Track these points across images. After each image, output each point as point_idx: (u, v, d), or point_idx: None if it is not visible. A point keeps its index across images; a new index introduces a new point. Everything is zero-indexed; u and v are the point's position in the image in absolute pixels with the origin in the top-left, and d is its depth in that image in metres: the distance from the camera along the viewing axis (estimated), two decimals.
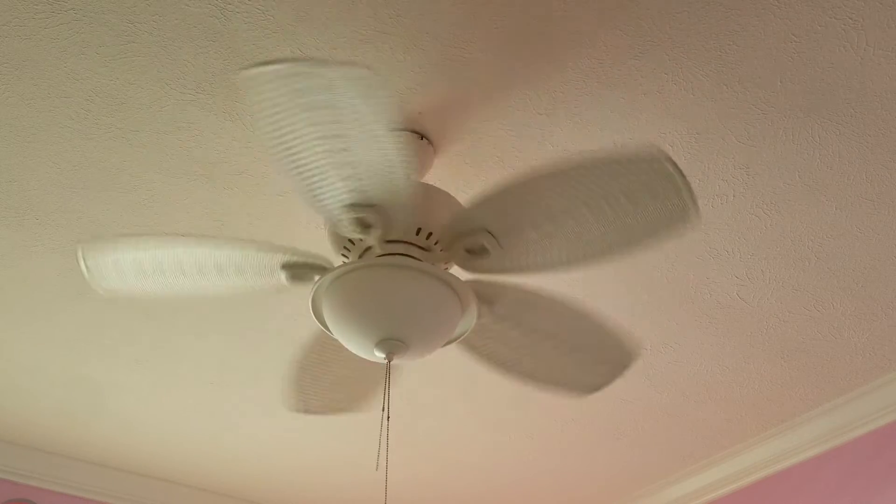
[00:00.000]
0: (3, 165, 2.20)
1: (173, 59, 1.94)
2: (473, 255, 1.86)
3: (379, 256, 1.87)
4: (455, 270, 2.13)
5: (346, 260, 1.97)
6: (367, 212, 1.77)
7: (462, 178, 2.22)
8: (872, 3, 1.80)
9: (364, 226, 1.80)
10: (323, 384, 2.23)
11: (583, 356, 2.11)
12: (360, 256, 1.92)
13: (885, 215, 2.31)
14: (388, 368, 1.98)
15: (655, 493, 3.65)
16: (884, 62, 1.92)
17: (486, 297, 1.98)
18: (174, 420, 3.23)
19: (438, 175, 2.21)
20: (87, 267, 1.96)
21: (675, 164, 1.64)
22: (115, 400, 3.11)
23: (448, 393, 3.06)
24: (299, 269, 1.91)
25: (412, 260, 1.84)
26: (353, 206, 1.76)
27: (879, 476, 2.95)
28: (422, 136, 2.10)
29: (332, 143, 1.62)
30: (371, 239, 1.85)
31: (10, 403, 3.13)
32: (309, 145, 1.63)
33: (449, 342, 2.01)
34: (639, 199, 1.69)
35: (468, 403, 3.12)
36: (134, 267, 1.93)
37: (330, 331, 1.96)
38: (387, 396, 1.98)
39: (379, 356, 1.87)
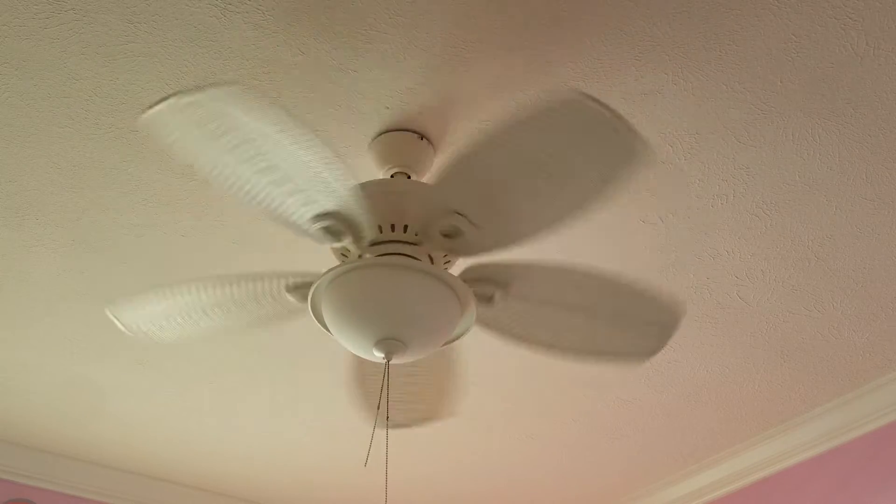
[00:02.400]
0: (3, 165, 2.20)
1: (173, 59, 1.94)
2: (452, 238, 1.85)
3: (377, 256, 1.87)
4: (457, 266, 2.13)
5: (344, 261, 1.97)
6: (329, 220, 1.78)
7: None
8: (872, 3, 1.80)
9: (334, 234, 1.82)
10: (404, 396, 2.26)
11: (624, 322, 2.05)
12: (359, 258, 1.92)
13: (884, 215, 2.31)
14: (386, 368, 1.98)
15: (655, 493, 3.64)
16: (884, 62, 1.92)
17: (498, 279, 1.95)
18: (174, 420, 3.23)
19: (435, 173, 2.21)
20: (124, 326, 2.08)
21: (597, 101, 1.57)
22: (115, 400, 3.11)
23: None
24: (303, 289, 1.95)
25: (410, 259, 1.84)
26: (316, 218, 1.78)
27: (879, 476, 2.95)
28: (422, 136, 2.10)
29: (256, 164, 1.65)
30: (349, 244, 1.86)
31: (10, 403, 3.13)
32: (240, 172, 1.66)
33: (448, 342, 2.01)
34: (579, 144, 1.65)
35: (468, 403, 3.12)
36: (165, 317, 2.03)
37: (329, 331, 1.96)
38: (385, 397, 1.98)
39: (378, 356, 1.87)
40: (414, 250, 1.89)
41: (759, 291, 2.57)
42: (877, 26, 1.84)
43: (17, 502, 3.38)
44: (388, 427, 2.01)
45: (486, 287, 1.94)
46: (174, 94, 1.52)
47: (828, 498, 3.08)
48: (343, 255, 1.95)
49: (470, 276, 1.93)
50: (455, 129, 2.10)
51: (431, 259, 1.92)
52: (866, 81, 1.96)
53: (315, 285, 1.88)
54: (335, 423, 3.23)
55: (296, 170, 1.67)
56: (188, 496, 3.68)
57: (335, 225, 1.80)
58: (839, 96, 2.00)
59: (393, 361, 1.89)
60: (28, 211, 2.33)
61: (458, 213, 1.79)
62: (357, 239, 1.85)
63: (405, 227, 1.88)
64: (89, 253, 2.46)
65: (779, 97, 2.00)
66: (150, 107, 1.53)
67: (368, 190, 1.85)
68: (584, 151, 1.64)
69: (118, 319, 2.06)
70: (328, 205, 1.76)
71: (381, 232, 1.88)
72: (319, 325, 1.97)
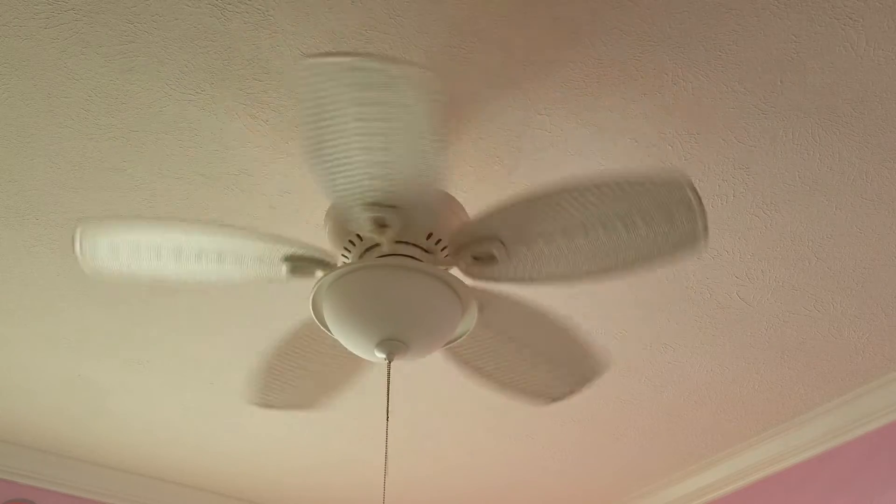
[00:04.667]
0: (3, 165, 2.20)
1: (173, 59, 1.94)
2: (480, 262, 1.86)
3: (380, 257, 1.87)
4: (450, 243, 2.13)
5: (346, 258, 1.97)
6: (386, 212, 1.77)
7: (462, 178, 2.22)
8: (872, 3, 1.80)
9: (380, 225, 1.81)
10: (289, 379, 2.23)
11: (553, 367, 2.14)
12: (361, 256, 1.92)
13: (884, 215, 2.31)
14: (388, 369, 1.98)
15: (655, 493, 3.65)
16: (884, 62, 1.92)
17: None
18: (174, 420, 3.23)
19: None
20: (80, 246, 1.92)
21: (695, 191, 1.66)
22: (115, 400, 3.11)
23: (448, 393, 3.06)
24: (301, 263, 1.90)
25: (413, 261, 1.84)
26: (374, 205, 1.76)
27: (879, 476, 2.95)
28: None
29: (373, 140, 1.61)
30: (383, 239, 1.85)
31: (10, 403, 3.13)
32: (349, 139, 1.62)
33: (449, 342, 2.01)
34: (654, 221, 1.70)
35: (468, 403, 3.12)
36: (130, 250, 1.90)
37: (330, 331, 1.96)
38: (388, 396, 1.98)
39: (379, 356, 1.87)
40: (415, 251, 1.89)
41: (759, 291, 2.57)
42: (877, 26, 1.84)
43: (17, 502, 3.38)
44: (388, 426, 2.01)
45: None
46: (356, 55, 1.46)
47: (828, 498, 3.08)
48: (343, 255, 1.94)
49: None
50: (455, 128, 2.09)
51: (432, 259, 1.93)
52: (866, 81, 1.96)
53: (317, 286, 1.88)
54: (335, 422, 3.23)
55: (405, 158, 1.64)
56: (188, 496, 3.68)
57: (388, 217, 1.78)
58: (839, 96, 2.00)
59: (394, 362, 1.89)
60: (28, 211, 2.33)
61: (501, 242, 1.81)
62: (393, 236, 1.84)
63: (438, 240, 1.90)
64: None
65: (779, 97, 2.00)
66: (321, 55, 1.47)
67: (442, 198, 1.86)
68: (657, 229, 1.69)
69: (80, 238, 1.90)
70: (399, 198, 1.74)
71: (416, 236, 1.90)
72: (321, 325, 1.97)
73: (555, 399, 2.23)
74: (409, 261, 1.84)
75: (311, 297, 1.91)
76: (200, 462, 3.49)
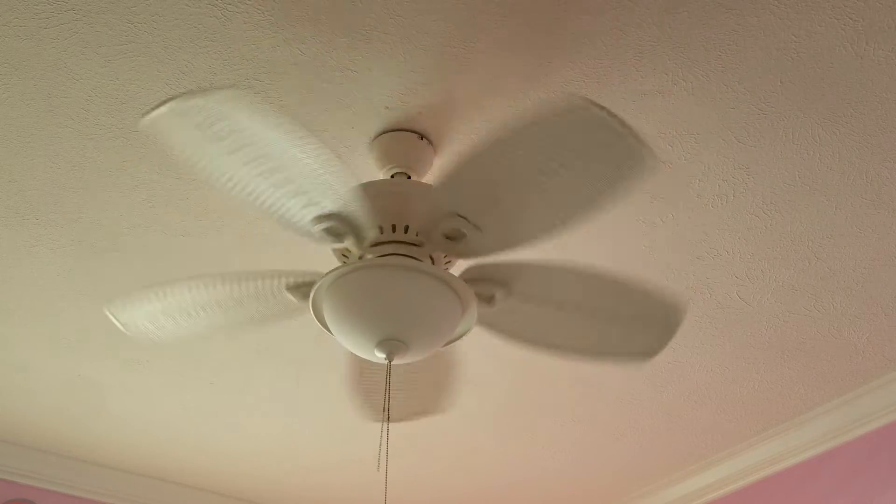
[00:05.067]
0: (3, 165, 2.20)
1: (173, 59, 1.94)
2: (454, 240, 1.85)
3: (378, 257, 1.87)
4: (458, 266, 2.13)
5: (345, 262, 1.97)
6: (331, 221, 1.79)
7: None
8: (872, 3, 1.80)
9: (336, 235, 1.82)
10: (405, 390, 2.26)
11: (626, 321, 2.04)
12: (360, 259, 1.92)
13: (884, 215, 2.31)
14: (388, 369, 1.98)
15: (655, 493, 3.65)
16: (884, 62, 1.92)
17: (500, 279, 1.94)
18: (174, 420, 3.23)
19: (438, 175, 2.20)
20: (122, 325, 2.07)
21: (603, 108, 1.58)
22: (115, 400, 3.11)
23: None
24: (303, 288, 1.95)
25: (412, 260, 1.84)
26: (318, 219, 1.78)
27: (879, 476, 2.95)
28: (422, 136, 2.10)
29: (258, 166, 1.65)
30: (351, 245, 1.86)
31: (10, 403, 3.13)
32: (241, 174, 1.67)
33: (449, 342, 2.01)
34: (585, 151, 1.65)
35: (468, 403, 3.12)
36: (164, 315, 2.03)
37: (330, 331, 1.96)
38: (387, 397, 1.98)
39: (379, 357, 1.87)
40: (415, 251, 1.89)
41: (759, 291, 2.57)
42: (877, 26, 1.84)
43: (16, 502, 3.38)
44: (388, 426, 2.01)
45: (487, 287, 1.94)
46: (175, 98, 1.52)
47: (828, 498, 3.08)
48: (344, 255, 1.95)
49: (470, 276, 1.93)
50: (455, 129, 2.10)
51: (433, 260, 1.92)
52: (866, 81, 1.96)
53: (316, 286, 1.88)
54: (335, 422, 3.23)
55: (297, 172, 1.67)
56: (188, 496, 3.68)
57: (337, 226, 1.80)
58: (839, 96, 2.00)
59: (394, 362, 1.89)
60: (28, 211, 2.33)
61: (460, 216, 1.79)
62: (358, 239, 1.85)
63: (406, 228, 1.88)
64: (89, 253, 2.46)
65: (779, 97, 2.00)
66: (152, 110, 1.53)
67: (370, 190, 1.85)
68: (589, 157, 1.64)
69: (116, 318, 2.06)
70: (329, 206, 1.76)
71: (382, 233, 1.88)
72: (321, 325, 1.97)
73: (648, 355, 2.12)
74: (408, 260, 1.83)
75: (310, 298, 1.91)
76: (200, 462, 3.49)
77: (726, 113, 2.04)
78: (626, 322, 2.02)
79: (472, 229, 1.80)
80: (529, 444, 3.36)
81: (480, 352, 2.82)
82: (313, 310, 1.94)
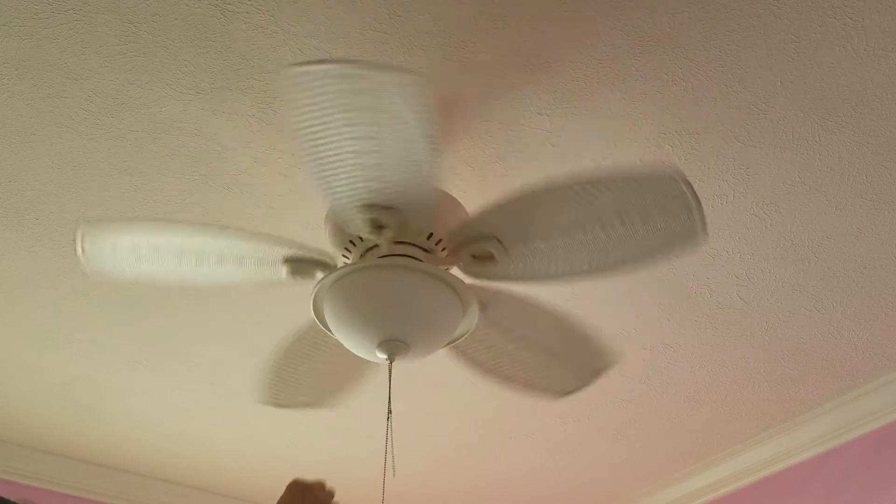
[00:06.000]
0: (3, 165, 2.20)
1: (173, 59, 1.94)
2: (479, 261, 1.86)
3: (381, 257, 1.87)
4: (455, 273, 2.13)
5: (346, 259, 1.97)
6: (383, 213, 1.77)
7: (462, 178, 2.22)
8: (872, 3, 1.80)
9: (377, 227, 1.81)
10: (298, 378, 2.23)
11: (562, 362, 2.13)
12: (362, 256, 1.92)
13: (884, 215, 2.31)
14: (389, 369, 1.98)
15: (655, 493, 3.65)
16: (884, 63, 1.92)
17: (481, 302, 1.99)
18: (174, 420, 3.23)
19: (438, 175, 2.21)
20: (82, 249, 1.91)
21: (689, 184, 1.65)
22: (115, 400, 3.11)
23: (448, 393, 3.06)
24: (301, 264, 1.91)
25: (414, 261, 1.85)
26: (371, 207, 1.76)
27: (879, 476, 2.95)
28: None
29: (365, 143, 1.62)
30: (381, 240, 1.85)
31: (10, 403, 3.13)
32: (342, 142, 1.63)
33: (450, 343, 2.01)
34: (650, 217, 1.69)
35: (468, 403, 3.12)
36: (131, 252, 1.90)
37: (331, 332, 1.96)
38: (389, 396, 1.98)
39: (381, 357, 1.87)
40: (415, 251, 1.89)
41: (759, 291, 2.57)
42: (877, 26, 1.84)
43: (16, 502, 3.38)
44: (390, 425, 2.01)
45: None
46: (344, 62, 1.48)
47: (828, 498, 3.08)
48: (344, 256, 1.94)
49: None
50: (455, 129, 2.10)
51: (433, 259, 1.93)
52: (866, 81, 1.96)
53: (318, 286, 1.88)
54: (336, 422, 3.23)
55: (398, 159, 1.65)
56: (188, 496, 3.68)
57: (385, 219, 1.79)
58: (839, 96, 2.00)
59: (396, 362, 1.89)
60: (28, 211, 2.33)
61: (498, 240, 1.81)
62: (393, 237, 1.85)
63: (439, 241, 1.90)
64: None
65: (779, 97, 2.00)
66: (308, 63, 1.48)
67: (438, 197, 1.86)
68: (654, 225, 1.68)
69: (81, 239, 1.90)
70: (394, 199, 1.75)
71: (417, 237, 1.90)
72: (322, 326, 1.97)
73: (566, 394, 2.22)
74: (409, 261, 1.84)
75: (311, 298, 1.91)
76: (200, 462, 3.49)
77: (726, 113, 2.04)
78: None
79: (503, 255, 1.83)
80: (529, 445, 3.36)
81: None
82: (314, 310, 1.94)
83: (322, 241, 2.38)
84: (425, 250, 1.90)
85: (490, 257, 1.85)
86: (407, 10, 1.83)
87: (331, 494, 1.71)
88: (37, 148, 2.15)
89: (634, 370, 2.92)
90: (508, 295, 2.00)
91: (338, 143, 1.62)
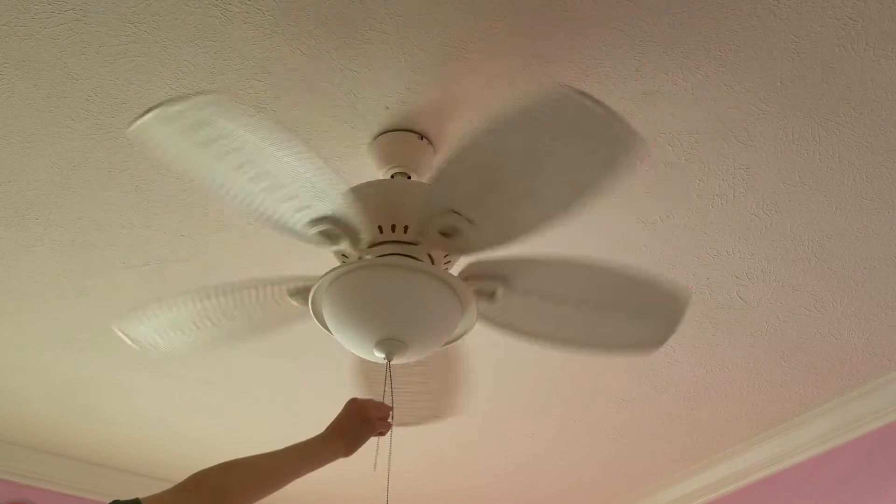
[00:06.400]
0: (3, 165, 2.20)
1: (173, 59, 1.94)
2: (450, 237, 1.85)
3: (377, 257, 1.87)
4: (458, 264, 2.13)
5: (345, 262, 1.97)
6: (325, 224, 1.79)
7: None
8: (872, 3, 1.80)
9: (331, 237, 1.82)
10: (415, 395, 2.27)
11: (629, 312, 2.03)
12: (359, 259, 1.92)
13: (884, 215, 2.31)
14: (387, 368, 1.98)
15: (655, 493, 3.65)
16: (884, 62, 1.92)
17: (500, 275, 1.93)
18: (174, 420, 3.23)
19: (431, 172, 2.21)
20: (132, 341, 2.08)
21: (588, 96, 1.58)
22: (115, 400, 3.11)
23: None
24: (305, 293, 1.94)
25: (411, 260, 1.84)
26: (312, 223, 1.78)
27: (879, 476, 2.95)
28: (422, 137, 2.10)
29: (247, 171, 1.65)
30: (347, 248, 1.86)
31: (10, 403, 3.13)
32: (232, 180, 1.66)
33: (449, 342, 2.01)
34: (570, 138, 1.65)
35: (468, 403, 3.12)
36: (172, 328, 2.04)
37: (330, 331, 1.96)
38: (390, 397, 1.98)
39: (378, 356, 1.87)
40: (414, 250, 1.89)
41: (759, 291, 2.57)
42: (877, 26, 1.84)
43: (16, 502, 3.38)
44: (392, 426, 2.00)
45: (488, 283, 1.93)
46: (161, 104, 1.52)
47: (828, 498, 3.08)
48: (343, 256, 1.95)
49: (471, 274, 1.92)
50: (455, 129, 2.10)
51: (432, 259, 1.92)
52: (866, 81, 1.96)
53: (316, 286, 1.88)
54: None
55: (287, 177, 1.67)
56: None
57: (332, 229, 1.80)
58: (839, 96, 2.00)
59: (394, 362, 1.89)
60: (28, 211, 2.33)
61: (455, 212, 1.79)
62: (354, 241, 1.85)
63: (405, 228, 1.87)
64: (89, 253, 2.46)
65: (779, 97, 2.00)
66: (138, 118, 1.53)
67: (361, 192, 1.84)
68: (577, 145, 1.65)
69: (126, 335, 2.07)
70: (323, 209, 1.76)
71: (381, 233, 1.88)
72: (320, 326, 1.97)
73: (655, 345, 2.11)
74: (409, 261, 1.83)
75: (310, 298, 1.91)
76: (200, 462, 3.48)
77: (726, 113, 2.04)
78: (629, 314, 2.01)
79: (465, 224, 1.80)
80: (529, 445, 3.36)
81: (481, 352, 2.82)
82: (313, 310, 1.94)
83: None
84: (412, 244, 1.89)
85: (455, 230, 1.83)
86: (407, 10, 1.83)
87: (384, 414, 1.85)
88: (37, 148, 2.15)
89: (634, 370, 2.92)
90: (529, 259, 1.93)
91: (229, 179, 1.67)
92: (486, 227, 1.81)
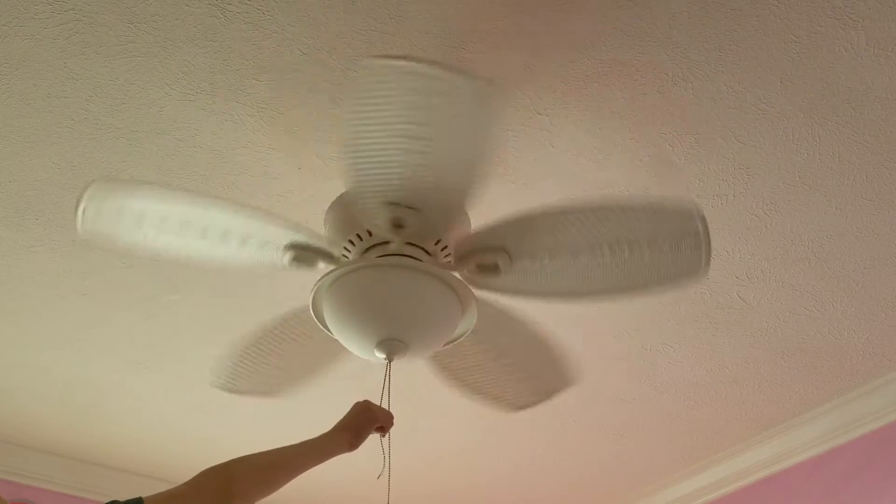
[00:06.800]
0: (3, 165, 2.20)
1: (173, 59, 1.94)
2: (483, 271, 1.86)
3: (380, 257, 1.87)
4: (452, 244, 2.13)
5: (347, 255, 1.97)
6: (406, 213, 1.77)
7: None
8: (872, 3, 1.80)
9: (397, 225, 1.80)
10: (262, 366, 2.23)
11: (525, 376, 2.13)
12: (363, 254, 1.92)
13: (884, 215, 2.31)
14: (388, 368, 1.98)
15: (655, 493, 3.64)
16: (884, 62, 1.92)
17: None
18: (174, 420, 3.23)
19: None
20: (84, 207, 1.80)
21: (705, 222, 1.65)
22: (115, 400, 3.11)
23: (447, 393, 3.06)
24: (304, 252, 1.89)
25: (413, 261, 1.84)
26: (396, 205, 1.75)
27: (879, 476, 2.95)
28: None
29: (416, 143, 1.61)
30: (396, 238, 1.85)
31: (10, 403, 3.13)
32: (391, 138, 1.62)
33: (449, 342, 2.01)
34: (660, 248, 1.69)
35: (467, 403, 3.11)
36: (135, 216, 1.82)
37: (330, 331, 1.96)
38: (388, 397, 1.98)
39: (379, 356, 1.87)
40: (420, 254, 1.89)
41: (759, 291, 2.57)
42: (877, 26, 1.84)
43: (17, 502, 3.38)
44: (392, 424, 2.01)
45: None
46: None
47: (828, 498, 3.08)
48: (345, 249, 1.94)
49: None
50: None
51: (427, 252, 1.92)
52: (866, 81, 1.96)
53: (316, 286, 1.88)
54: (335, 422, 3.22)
55: (447, 165, 1.66)
56: None
57: (408, 219, 1.79)
58: (839, 96, 2.00)
59: (394, 362, 1.89)
60: (28, 211, 2.33)
61: (506, 252, 1.81)
62: (407, 237, 1.84)
63: (444, 246, 1.89)
64: (89, 253, 2.46)
65: (779, 97, 2.00)
66: (387, 57, 1.50)
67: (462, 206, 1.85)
68: (662, 256, 1.68)
69: (87, 199, 1.80)
70: (425, 203, 1.74)
71: (361, 239, 1.90)
72: (321, 326, 1.97)
73: (519, 408, 2.23)
74: (409, 261, 1.84)
75: (311, 297, 1.91)
76: (201, 462, 3.48)
77: (726, 113, 2.04)
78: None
79: (508, 268, 1.83)
80: (529, 445, 3.36)
81: None
82: (313, 309, 1.94)
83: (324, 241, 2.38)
84: (429, 254, 1.90)
85: (495, 268, 1.84)
86: (407, 10, 1.82)
87: (389, 416, 1.89)
88: (37, 148, 2.15)
89: (634, 370, 2.92)
90: (494, 306, 1.99)
91: (386, 137, 1.61)
92: (524, 277, 1.87)
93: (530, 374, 2.11)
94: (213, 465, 1.68)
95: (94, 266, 2.50)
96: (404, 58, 1.50)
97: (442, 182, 1.68)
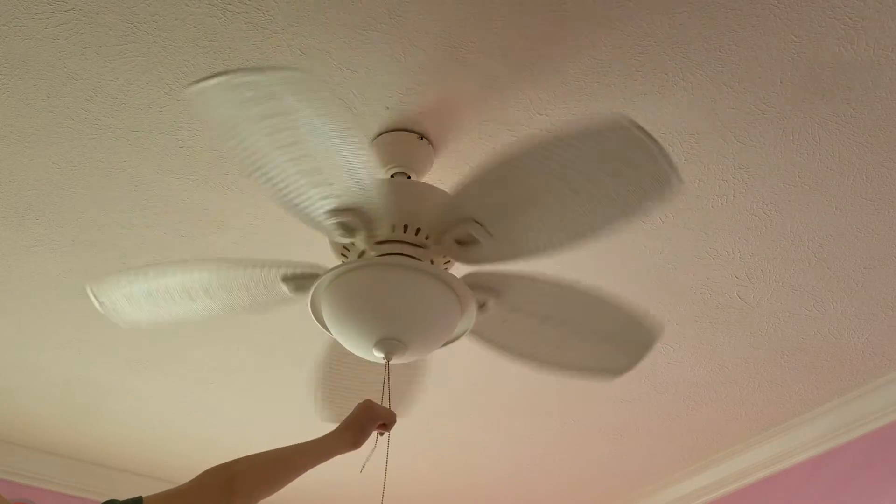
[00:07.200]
0: (3, 165, 2.20)
1: (173, 59, 1.94)
2: (464, 245, 1.84)
3: (378, 256, 1.87)
4: (456, 267, 2.13)
5: (346, 256, 1.97)
6: (346, 216, 1.78)
7: (462, 178, 2.22)
8: (872, 2, 1.80)
9: (348, 230, 1.81)
10: (342, 391, 2.26)
11: (602, 339, 2.07)
12: (359, 257, 1.92)
13: (884, 215, 2.31)
14: (386, 368, 1.98)
15: (655, 493, 3.65)
16: (884, 62, 1.92)
17: (494, 287, 1.95)
18: (174, 420, 3.23)
19: (438, 175, 2.21)
20: (100, 304, 2.03)
21: (643, 130, 1.58)
22: (115, 400, 3.11)
23: (447, 393, 3.06)
24: (299, 280, 1.93)
25: (411, 259, 1.84)
26: (333, 212, 1.77)
27: (879, 476, 2.95)
28: (422, 136, 2.10)
29: (291, 151, 1.62)
30: (359, 241, 1.85)
31: (10, 403, 3.13)
32: (272, 157, 1.63)
33: (448, 342, 2.01)
34: (616, 170, 1.64)
35: (467, 403, 3.12)
36: (146, 297, 1.98)
37: (329, 331, 1.96)
38: (388, 397, 1.98)
39: (378, 356, 1.87)
40: (414, 251, 1.89)
41: (759, 291, 2.57)
42: (877, 26, 1.84)
43: (17, 502, 3.38)
44: (394, 424, 2.00)
45: (481, 294, 1.94)
46: (229, 72, 1.47)
47: (828, 498, 3.08)
48: (343, 255, 1.94)
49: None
50: (455, 129, 2.10)
51: (431, 260, 1.92)
52: (866, 81, 1.96)
53: (315, 285, 1.88)
54: (335, 423, 3.23)
55: (328, 162, 1.65)
56: None
57: (350, 220, 1.79)
58: (839, 96, 2.00)
59: (393, 361, 1.89)
60: (28, 211, 2.33)
61: (477, 222, 1.79)
62: (368, 236, 1.85)
63: (417, 230, 1.88)
64: (89, 253, 2.46)
65: (779, 97, 2.00)
66: (200, 80, 1.47)
67: (394, 187, 1.85)
68: (622, 177, 1.65)
69: (96, 296, 2.01)
70: (348, 200, 1.74)
71: (394, 231, 1.88)
72: (319, 325, 1.97)
73: (617, 373, 2.17)
74: (407, 260, 1.83)
75: (309, 297, 1.91)
76: (201, 462, 3.49)
77: (726, 113, 2.04)
78: (602, 339, 2.05)
79: (485, 236, 1.81)
80: (529, 444, 3.36)
81: (481, 352, 2.82)
82: (312, 308, 1.94)
83: (324, 239, 2.38)
84: (417, 245, 1.89)
85: (473, 240, 1.83)
86: (407, 10, 1.83)
87: (392, 416, 1.88)
88: (37, 148, 2.15)
89: (634, 370, 2.91)
90: (524, 276, 1.95)
91: (268, 156, 1.63)
92: (503, 241, 1.82)
93: (604, 336, 2.06)
94: (213, 464, 1.68)
95: (94, 266, 2.50)
96: (216, 74, 1.49)
97: (345, 175, 1.68)
